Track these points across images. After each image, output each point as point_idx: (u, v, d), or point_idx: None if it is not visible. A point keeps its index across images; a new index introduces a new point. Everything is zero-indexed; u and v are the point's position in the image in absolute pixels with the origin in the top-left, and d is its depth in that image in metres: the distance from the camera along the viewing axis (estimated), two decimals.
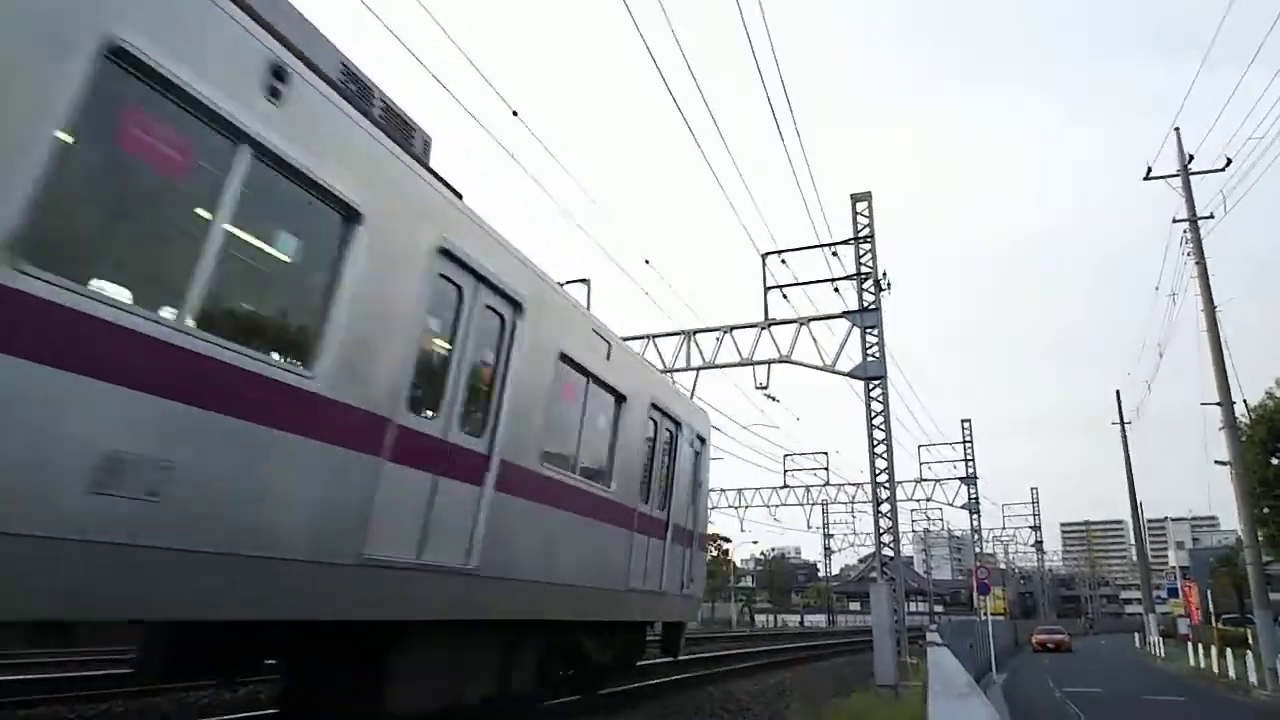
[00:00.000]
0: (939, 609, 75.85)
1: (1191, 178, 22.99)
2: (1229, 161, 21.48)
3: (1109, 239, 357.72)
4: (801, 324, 25.76)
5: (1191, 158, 23.09)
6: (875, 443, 24.31)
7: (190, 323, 4.36)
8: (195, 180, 4.53)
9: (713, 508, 59.12)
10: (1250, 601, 22.47)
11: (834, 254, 25.17)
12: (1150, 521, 75.60)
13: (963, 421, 57.94)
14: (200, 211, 4.53)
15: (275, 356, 4.97)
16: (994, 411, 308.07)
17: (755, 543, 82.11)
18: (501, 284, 7.31)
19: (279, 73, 4.88)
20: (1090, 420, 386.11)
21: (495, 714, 8.54)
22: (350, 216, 5.49)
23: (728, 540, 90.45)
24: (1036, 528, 77.89)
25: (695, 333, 26.78)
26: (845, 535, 74.62)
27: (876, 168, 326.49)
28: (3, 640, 22.27)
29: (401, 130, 6.87)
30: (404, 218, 6.02)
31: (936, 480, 57.17)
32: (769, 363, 25.87)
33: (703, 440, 13.64)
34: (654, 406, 11.45)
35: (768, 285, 25.59)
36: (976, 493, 56.51)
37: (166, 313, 4.29)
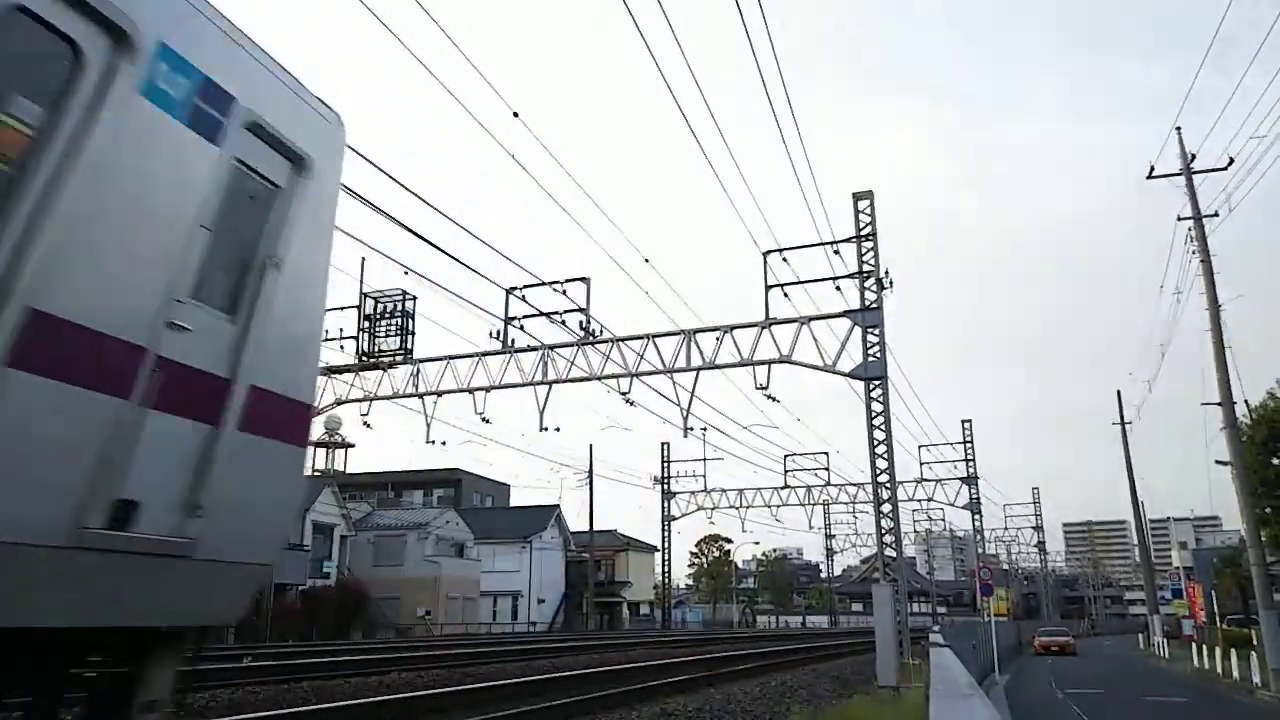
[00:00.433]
0: (942, 610, 75.67)
1: (1194, 176, 22.91)
2: (1232, 160, 21.41)
3: (1112, 237, 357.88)
4: (802, 323, 25.65)
5: (1194, 156, 23.02)
6: (876, 443, 24.19)
7: None
8: None
9: (714, 508, 58.96)
10: (1254, 602, 22.36)
11: (836, 252, 25.05)
12: (1153, 521, 75.36)
13: (963, 421, 57.84)
14: None
15: None
16: (995, 411, 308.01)
17: (757, 543, 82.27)
18: None
19: None
20: (1092, 420, 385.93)
21: None
22: None
23: (729, 541, 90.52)
24: (1039, 528, 77.73)
25: (695, 332, 26.67)
26: (847, 536, 74.44)
27: (877, 166, 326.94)
28: None
29: None
30: None
31: (938, 480, 57.03)
32: (769, 363, 25.75)
33: (296, 160, 5.65)
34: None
35: (769, 284, 25.48)
36: (978, 493, 56.37)
37: None
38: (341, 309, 31.99)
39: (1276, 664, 19.61)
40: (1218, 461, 24.24)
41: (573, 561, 63.73)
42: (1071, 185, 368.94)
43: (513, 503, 72.09)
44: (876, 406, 24.46)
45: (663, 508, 60.28)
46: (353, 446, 66.02)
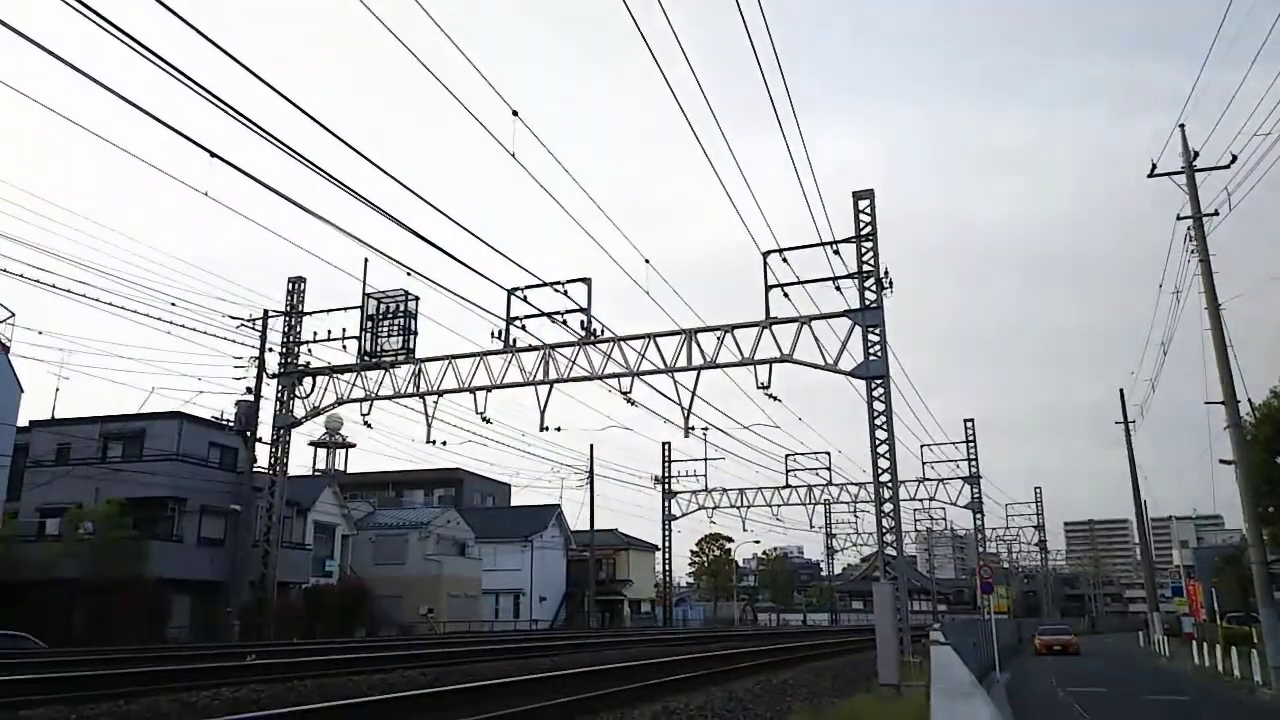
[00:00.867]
0: (942, 608, 75.70)
1: (1196, 175, 22.89)
2: (1234, 158, 21.38)
3: (1114, 235, 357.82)
4: (803, 323, 25.69)
5: (1196, 154, 22.99)
6: (878, 442, 24.24)
7: None
8: None
9: (715, 507, 59.06)
10: (1255, 600, 22.37)
11: (836, 252, 25.08)
12: (1154, 520, 75.37)
13: (965, 421, 57.90)
14: None
15: None
16: (996, 410, 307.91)
17: (757, 542, 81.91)
18: None
19: None
20: (1094, 419, 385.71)
21: None
22: None
23: (730, 540, 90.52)
24: (1040, 527, 77.80)
25: (696, 332, 26.71)
26: (848, 535, 74.51)
27: (878, 165, 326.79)
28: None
29: None
30: None
31: (939, 479, 57.10)
32: (770, 362, 25.80)
33: None
34: None
35: (769, 284, 25.50)
36: (979, 492, 56.44)
37: None
38: (344, 309, 32.14)
39: (1277, 662, 19.62)
40: (1222, 460, 24.25)
41: (574, 560, 63.80)
42: (1076, 182, 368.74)
43: (514, 502, 72.12)
44: (878, 406, 24.50)
45: (664, 507, 60.36)
46: (354, 446, 66.07)
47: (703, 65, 13.84)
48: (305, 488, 43.65)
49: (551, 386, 28.16)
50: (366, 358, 30.87)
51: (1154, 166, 23.30)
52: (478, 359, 29.08)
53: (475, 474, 63.89)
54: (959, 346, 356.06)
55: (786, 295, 25.41)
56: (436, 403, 30.11)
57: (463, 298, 21.80)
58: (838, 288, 25.23)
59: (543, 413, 28.04)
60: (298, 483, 40.84)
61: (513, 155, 15.53)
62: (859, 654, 26.56)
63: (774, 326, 25.81)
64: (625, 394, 27.32)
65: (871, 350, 24.57)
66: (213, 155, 12.87)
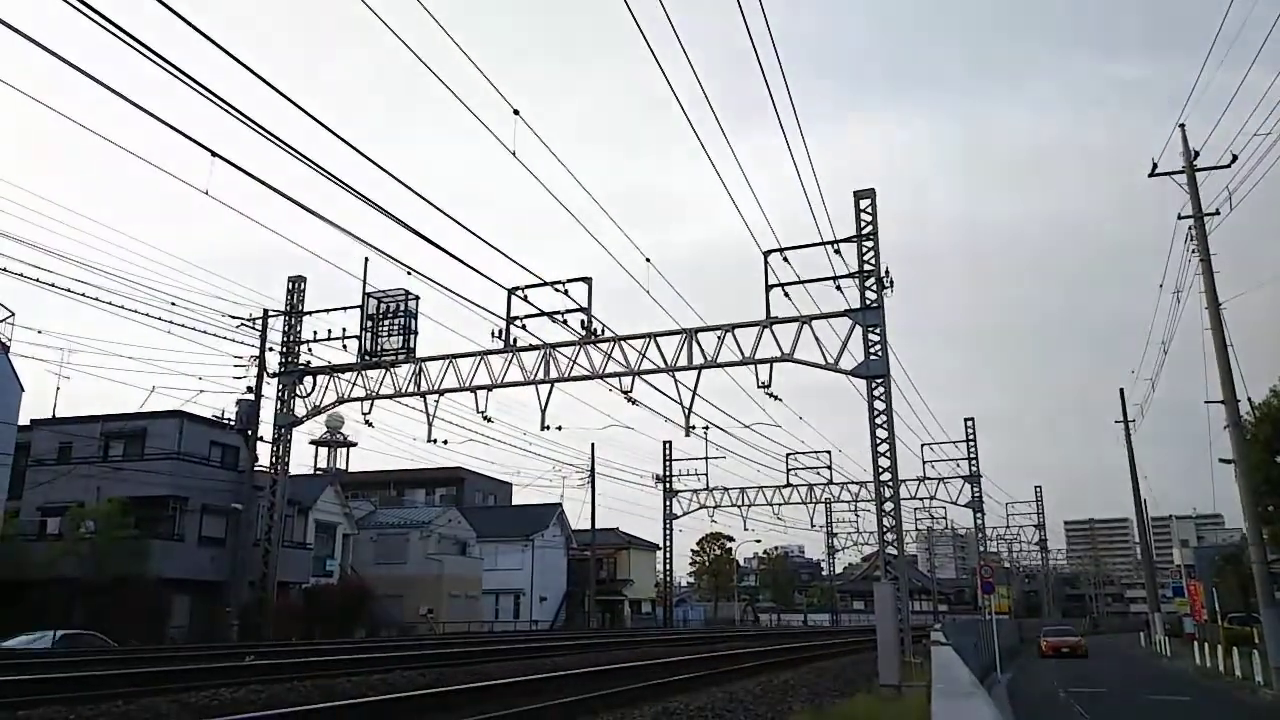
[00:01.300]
0: (943, 608, 75.65)
1: (1197, 174, 22.86)
2: (1235, 158, 21.36)
3: (1115, 234, 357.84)
4: (803, 322, 25.67)
5: (1197, 154, 22.96)
6: (878, 441, 24.22)
7: None
8: None
9: (715, 507, 59.09)
10: (1256, 600, 22.35)
11: (836, 251, 25.05)
12: (1155, 520, 75.27)
13: (966, 420, 57.91)
14: None
15: None
16: (997, 409, 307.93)
17: (758, 541, 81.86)
18: None
19: None
20: (1095, 418, 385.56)
21: None
22: None
23: (731, 539, 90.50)
24: (1040, 526, 77.79)
25: (697, 331, 26.69)
26: (849, 534, 74.53)
27: (878, 163, 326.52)
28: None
29: None
30: None
31: (940, 479, 57.08)
32: (771, 361, 25.78)
33: None
34: None
35: (770, 283, 25.48)
36: (980, 491, 56.44)
37: None
38: (345, 308, 32.13)
39: (1278, 662, 19.60)
40: (1222, 460, 24.23)
41: (575, 560, 63.79)
42: (1077, 180, 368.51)
43: (514, 501, 72.13)
44: (879, 405, 24.49)
45: (665, 506, 60.37)
46: (355, 445, 66.10)
47: (704, 64, 13.83)
48: (306, 487, 43.66)
49: (552, 386, 28.15)
50: (367, 357, 30.87)
51: (1155, 166, 23.27)
52: (478, 358, 29.06)
53: (476, 473, 63.91)
54: (959, 346, 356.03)
55: (787, 295, 25.40)
56: (437, 402, 30.11)
57: (463, 297, 21.80)
58: (838, 287, 25.21)
59: (544, 412, 28.04)
60: (299, 482, 40.85)
61: (513, 154, 15.52)
62: (860, 654, 26.55)
63: (775, 326, 25.80)
64: (626, 393, 27.30)
65: (872, 349, 24.56)
66: (214, 155, 12.86)
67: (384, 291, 31.08)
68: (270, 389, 33.92)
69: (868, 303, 24.79)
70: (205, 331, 31.89)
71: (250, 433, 35.02)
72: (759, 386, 25.78)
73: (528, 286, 25.79)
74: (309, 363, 33.21)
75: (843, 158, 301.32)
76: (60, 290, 23.37)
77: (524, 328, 27.13)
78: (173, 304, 27.82)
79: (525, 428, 36.01)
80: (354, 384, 31.78)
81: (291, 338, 33.75)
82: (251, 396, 34.64)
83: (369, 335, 30.87)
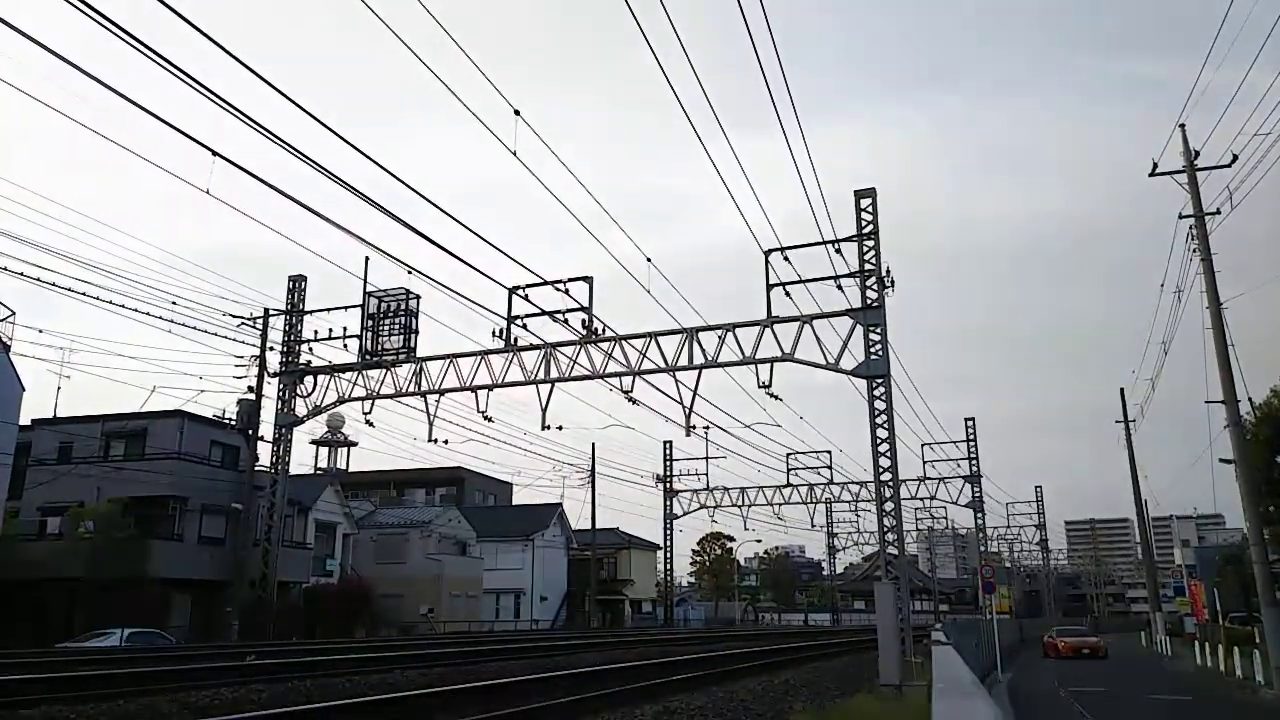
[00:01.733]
0: (944, 608, 75.61)
1: (1197, 174, 22.84)
2: (1235, 158, 21.34)
3: (1115, 234, 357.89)
4: (804, 322, 25.66)
5: (1197, 153, 22.94)
6: (879, 441, 24.21)
7: None
8: None
9: (716, 506, 59.09)
10: (1257, 600, 22.34)
11: (837, 251, 25.05)
12: (1155, 520, 75.23)
13: (966, 420, 57.88)
14: None
15: None
16: (997, 409, 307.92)
17: (759, 541, 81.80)
18: None
19: None
20: (1095, 418, 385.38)
21: None
22: None
23: (731, 539, 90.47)
24: (1041, 526, 77.75)
25: (697, 331, 26.68)
26: (849, 534, 74.50)
27: (879, 163, 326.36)
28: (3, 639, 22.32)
29: None
30: None
31: (940, 478, 57.06)
32: (771, 361, 25.77)
33: None
34: None
35: (770, 283, 25.48)
36: (980, 491, 56.41)
37: None
38: (346, 308, 32.13)
39: (1279, 662, 19.59)
40: (1222, 460, 24.20)
41: (575, 559, 63.80)
42: (1077, 180, 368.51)
43: (515, 501, 72.14)
44: (879, 405, 24.47)
45: (665, 506, 60.35)
46: (355, 445, 66.12)
47: (704, 64, 13.83)
48: (306, 486, 43.66)
49: (553, 385, 28.14)
50: (368, 356, 30.86)
51: (1155, 166, 23.26)
52: (479, 358, 29.05)
53: (477, 473, 63.95)
54: (960, 345, 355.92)
55: (788, 294, 25.39)
56: (438, 401, 30.10)
57: (464, 296, 21.79)
58: (839, 287, 25.20)
59: (544, 411, 28.03)
60: (299, 481, 40.84)
61: (514, 154, 15.51)
62: (860, 654, 26.54)
63: (775, 325, 25.78)
64: (627, 393, 27.30)
65: (873, 349, 24.55)
66: (215, 154, 12.86)
67: (385, 291, 31.07)
68: (271, 389, 33.96)
69: (868, 302, 24.77)
70: (206, 331, 31.98)
71: (251, 432, 35.02)
72: (759, 386, 25.78)
73: (528, 286, 25.78)
74: (310, 362, 33.21)
75: (843, 157, 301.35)
76: (62, 290, 23.39)
77: (525, 327, 27.13)
78: (174, 303, 27.86)
79: (525, 427, 36.09)
80: (354, 384, 31.78)
81: (292, 337, 33.75)
82: (252, 396, 34.65)
83: (370, 335, 30.87)
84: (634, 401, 27.52)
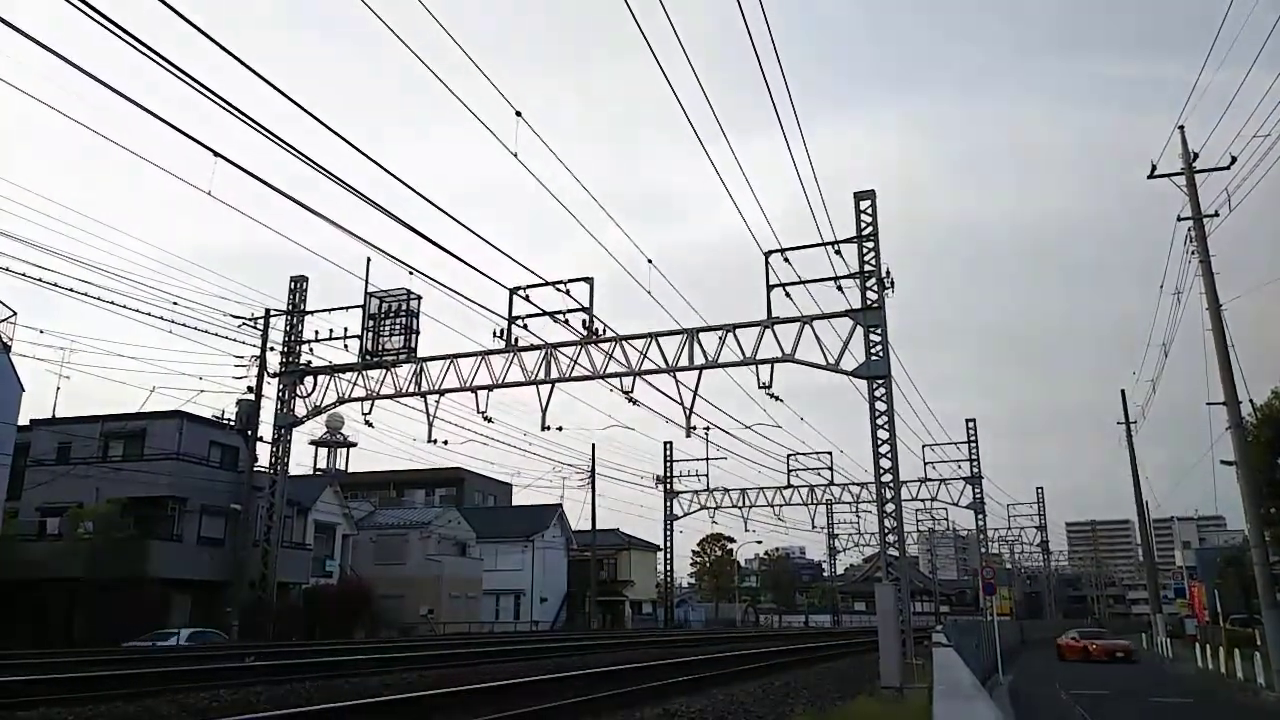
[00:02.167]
0: (944, 609, 75.58)
1: (1196, 176, 22.82)
2: (1234, 160, 21.31)
3: (1116, 235, 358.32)
4: (804, 322, 25.65)
5: (1196, 156, 22.91)
6: (879, 442, 24.19)
7: None
8: None
9: (716, 507, 59.05)
10: (1258, 602, 22.30)
11: (837, 252, 25.05)
12: (1156, 521, 75.20)
13: (967, 421, 57.83)
14: None
15: None
16: (998, 410, 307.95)
17: (759, 543, 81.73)
18: None
19: None
20: (1096, 419, 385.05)
21: None
22: None
23: (732, 540, 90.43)
24: (1042, 527, 77.71)
25: (698, 331, 26.67)
26: (850, 535, 74.44)
27: (879, 163, 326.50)
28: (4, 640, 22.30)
29: None
30: None
31: (941, 480, 57.03)
32: (772, 362, 25.76)
33: None
34: None
35: (771, 284, 25.47)
36: (981, 492, 56.38)
37: None
38: (346, 308, 32.12)
39: None
40: (1223, 461, 24.21)
41: (575, 560, 63.76)
42: (1078, 181, 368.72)
43: (515, 502, 72.08)
44: (880, 405, 24.46)
45: (665, 507, 60.32)
46: (355, 445, 66.07)
47: (704, 64, 13.82)
48: (306, 487, 43.62)
49: (553, 386, 28.13)
50: (368, 357, 30.84)
51: (1154, 168, 23.23)
52: (479, 358, 29.04)
53: (476, 473, 63.90)
54: (961, 346, 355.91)
55: (788, 295, 25.38)
56: (438, 402, 30.08)
57: (465, 297, 21.79)
58: (839, 287, 25.20)
59: (544, 412, 28.02)
60: (298, 482, 40.81)
61: (515, 155, 15.51)
62: (861, 656, 26.50)
63: (776, 326, 25.77)
64: (627, 393, 27.28)
65: (873, 350, 24.54)
66: (216, 155, 12.84)
67: (386, 291, 31.06)
68: (270, 389, 33.95)
69: (869, 303, 24.77)
70: (207, 331, 31.92)
71: (250, 433, 34.99)
72: (760, 387, 25.78)
73: (529, 286, 25.78)
74: (310, 363, 33.19)
75: (844, 158, 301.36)
76: (63, 290, 23.39)
77: (525, 327, 27.11)
78: (174, 303, 27.86)
79: (525, 428, 36.03)
80: (354, 384, 31.76)
81: (293, 337, 33.73)
82: (251, 396, 34.62)
83: (370, 335, 30.85)
84: (634, 402, 27.52)
